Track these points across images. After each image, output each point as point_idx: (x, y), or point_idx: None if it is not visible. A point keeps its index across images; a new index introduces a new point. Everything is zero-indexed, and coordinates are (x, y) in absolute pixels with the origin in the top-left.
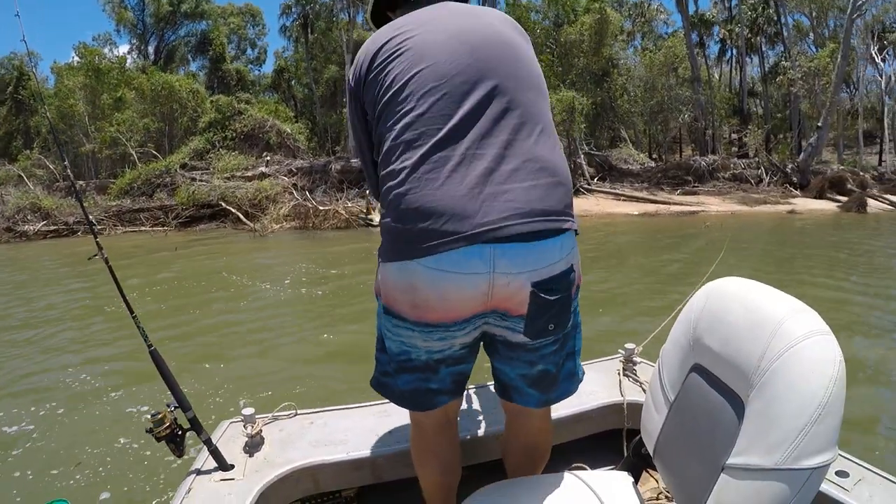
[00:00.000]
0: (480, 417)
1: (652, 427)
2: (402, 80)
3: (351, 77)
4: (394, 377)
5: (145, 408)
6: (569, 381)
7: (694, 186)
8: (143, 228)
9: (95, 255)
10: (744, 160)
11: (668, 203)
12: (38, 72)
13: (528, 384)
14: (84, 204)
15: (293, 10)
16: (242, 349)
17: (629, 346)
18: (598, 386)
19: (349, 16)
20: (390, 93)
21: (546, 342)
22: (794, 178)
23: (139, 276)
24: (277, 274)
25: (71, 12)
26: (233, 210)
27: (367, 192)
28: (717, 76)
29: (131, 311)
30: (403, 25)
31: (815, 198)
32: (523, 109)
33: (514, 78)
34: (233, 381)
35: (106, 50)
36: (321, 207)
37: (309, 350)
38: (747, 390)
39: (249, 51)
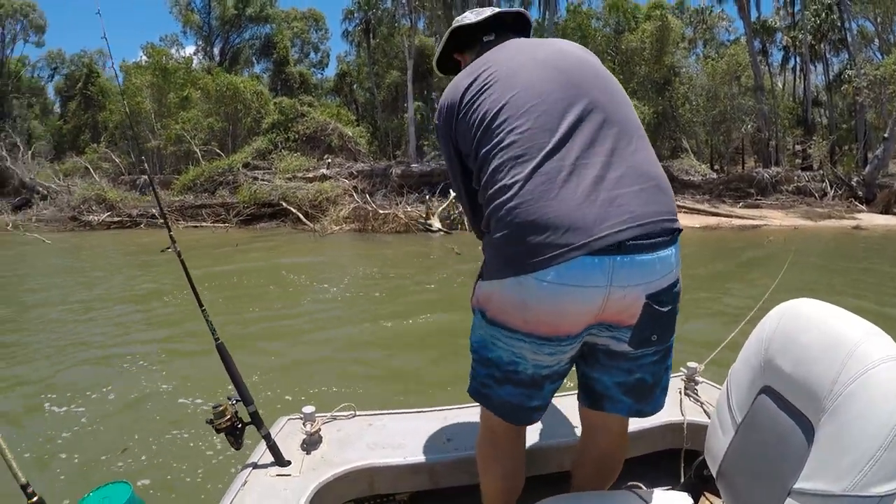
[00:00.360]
0: (545, 428)
1: (717, 448)
2: (499, 106)
3: (439, 120)
4: (497, 388)
5: (199, 400)
6: (662, 394)
7: (756, 199)
8: (204, 224)
9: (168, 248)
10: (808, 172)
11: (730, 216)
12: (108, 70)
13: (623, 392)
14: (149, 198)
15: (355, 15)
16: (299, 345)
17: (692, 364)
18: None
19: (411, 21)
20: (487, 119)
21: (647, 352)
22: (860, 192)
23: (199, 268)
24: (337, 274)
25: (139, 14)
26: (293, 210)
27: (428, 196)
28: (780, 85)
29: (200, 304)
30: (484, 64)
31: (882, 212)
32: (620, 120)
33: (604, 92)
34: (287, 377)
35: (173, 50)
36: (381, 211)
37: (368, 351)
38: (818, 414)
39: (312, 54)
